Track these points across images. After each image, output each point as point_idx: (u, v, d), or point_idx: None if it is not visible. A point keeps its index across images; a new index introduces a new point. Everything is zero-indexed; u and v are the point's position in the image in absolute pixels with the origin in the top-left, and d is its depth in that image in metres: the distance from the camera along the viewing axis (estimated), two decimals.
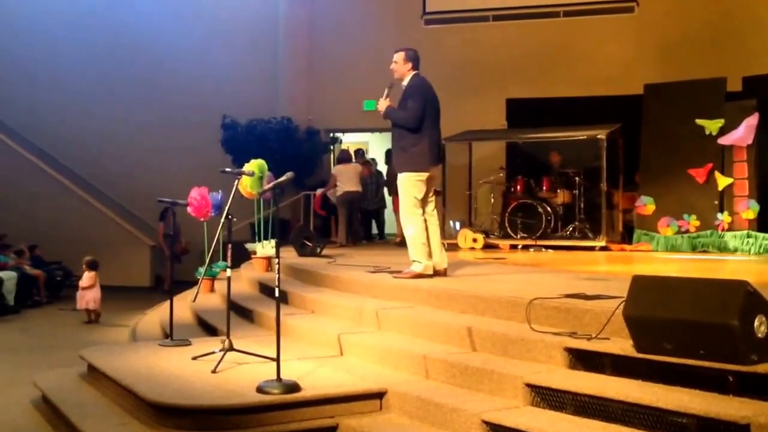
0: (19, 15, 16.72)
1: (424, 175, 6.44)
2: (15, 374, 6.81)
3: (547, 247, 10.98)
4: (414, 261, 6.41)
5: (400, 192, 6.44)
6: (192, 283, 9.39)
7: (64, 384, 5.53)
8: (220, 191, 8.93)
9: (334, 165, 14.83)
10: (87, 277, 10.51)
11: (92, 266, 10.65)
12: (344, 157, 12.99)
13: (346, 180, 12.28)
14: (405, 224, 6.43)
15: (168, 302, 6.61)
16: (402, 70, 6.50)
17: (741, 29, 13.02)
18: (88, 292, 10.40)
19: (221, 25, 15.94)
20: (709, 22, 13.26)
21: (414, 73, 6.51)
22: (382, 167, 13.95)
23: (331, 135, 15.87)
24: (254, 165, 8.49)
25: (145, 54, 16.12)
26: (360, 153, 13.81)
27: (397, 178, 6.59)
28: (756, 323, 3.52)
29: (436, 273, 6.47)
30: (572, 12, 14.14)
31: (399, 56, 6.50)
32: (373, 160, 14.76)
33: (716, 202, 10.30)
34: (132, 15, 16.26)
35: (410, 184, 6.38)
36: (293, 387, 4.38)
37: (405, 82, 6.51)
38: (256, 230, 9.68)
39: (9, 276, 11.60)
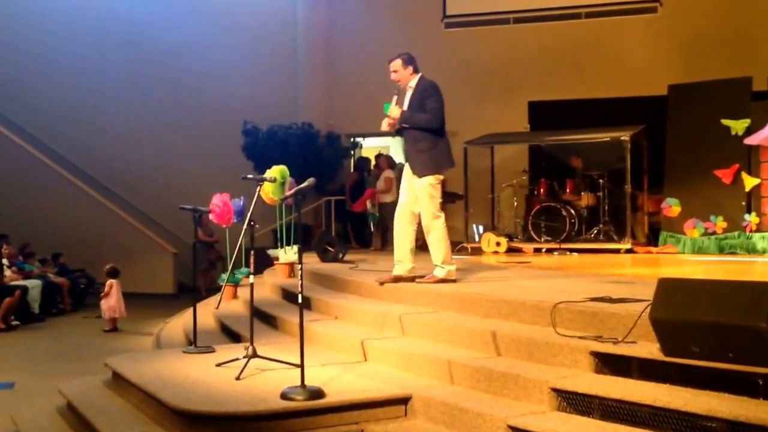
0: (41, 28, 16.88)
1: (442, 177, 6.43)
2: (40, 382, 6.87)
3: (571, 250, 10.90)
4: (437, 266, 6.37)
5: (423, 196, 6.35)
6: (216, 289, 9.42)
7: (89, 391, 5.55)
8: (242, 197, 8.95)
9: (353, 170, 14.85)
10: (106, 285, 10.62)
11: (111, 274, 10.74)
12: (394, 163, 12.92)
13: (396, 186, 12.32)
14: (430, 229, 6.36)
15: (191, 309, 6.63)
16: (405, 75, 6.45)
17: (766, 28, 12.86)
18: (104, 301, 10.50)
19: (240, 32, 16.01)
20: (733, 21, 13.11)
21: (420, 75, 6.47)
22: None
23: (352, 140, 15.88)
24: (276, 171, 8.49)
25: (165, 62, 16.25)
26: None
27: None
28: None
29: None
30: (594, 13, 14.05)
31: (397, 64, 6.46)
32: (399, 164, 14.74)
33: (743, 203, 10.17)
34: (153, 25, 16.39)
35: (434, 188, 6.34)
36: (317, 393, 4.37)
37: (412, 85, 6.45)
38: (279, 236, 9.69)
39: (34, 284, 11.70)
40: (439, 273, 6.34)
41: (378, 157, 13.55)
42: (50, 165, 16.27)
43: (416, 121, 6.37)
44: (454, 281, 6.33)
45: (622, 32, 13.99)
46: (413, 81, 6.45)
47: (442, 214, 6.39)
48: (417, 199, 6.40)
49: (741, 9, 13.18)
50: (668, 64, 13.25)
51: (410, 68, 6.46)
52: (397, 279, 6.45)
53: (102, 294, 10.69)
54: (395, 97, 6.47)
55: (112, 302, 10.48)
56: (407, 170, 6.52)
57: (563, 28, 14.24)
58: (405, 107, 6.43)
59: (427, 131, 6.35)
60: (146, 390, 4.78)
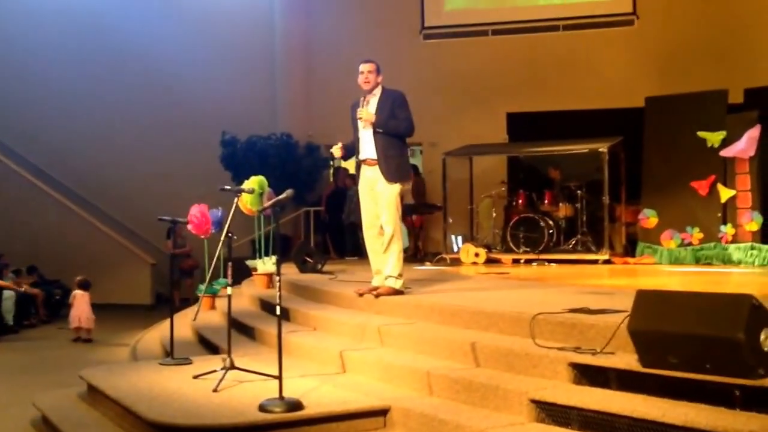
0: (15, 35, 16.72)
1: (402, 189, 6.48)
2: (14, 394, 6.76)
3: (549, 261, 10.94)
4: (390, 276, 6.37)
5: (389, 203, 6.34)
6: (194, 300, 9.36)
7: (63, 404, 5.49)
8: (220, 208, 8.90)
9: (332, 180, 14.83)
10: (74, 296, 10.60)
11: (81, 286, 10.70)
12: None
13: None
14: (396, 238, 6.35)
15: (168, 320, 6.57)
16: (374, 81, 6.51)
17: (742, 41, 13.03)
18: (73, 311, 10.47)
19: (218, 42, 15.95)
20: (709, 35, 13.27)
21: (381, 85, 6.54)
22: None
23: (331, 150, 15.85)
24: (254, 182, 8.47)
25: (143, 73, 16.15)
26: None
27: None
28: (762, 337, 3.48)
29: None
30: (572, 26, 14.16)
31: (372, 67, 6.50)
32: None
33: (719, 215, 10.26)
34: (131, 34, 16.27)
35: (399, 197, 6.40)
36: (296, 405, 4.34)
37: (376, 93, 6.50)
38: (257, 247, 9.65)
39: (8, 295, 11.55)
40: (395, 284, 6.36)
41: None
42: (26, 176, 16.09)
43: (392, 127, 6.42)
44: (403, 292, 6.38)
45: (599, 45, 14.11)
46: (377, 90, 6.52)
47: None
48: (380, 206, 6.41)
49: (717, 23, 13.34)
50: (645, 76, 13.37)
51: (380, 77, 6.53)
52: (376, 290, 6.43)
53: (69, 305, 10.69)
54: (362, 100, 6.52)
55: (73, 312, 10.48)
56: (367, 180, 6.52)
57: (541, 41, 14.35)
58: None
59: (397, 139, 6.42)
60: (122, 403, 4.73)
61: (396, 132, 6.42)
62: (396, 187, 6.37)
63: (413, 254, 12.20)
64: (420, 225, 13.12)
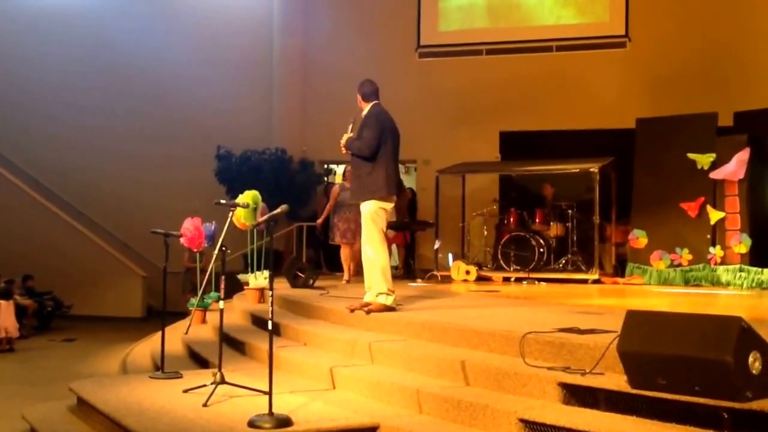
0: (16, 52, 16.77)
1: (389, 205, 6.50)
2: (3, 406, 6.74)
3: (539, 279, 10.97)
4: (380, 293, 6.38)
5: (364, 221, 6.41)
6: (185, 314, 9.33)
7: (53, 417, 5.47)
8: (213, 222, 8.92)
9: (324, 195, 14.88)
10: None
11: (2, 295, 10.80)
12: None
13: None
14: (375, 255, 6.37)
15: (159, 333, 6.56)
16: (359, 101, 6.63)
17: (732, 65, 13.17)
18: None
19: (215, 57, 16.04)
20: (700, 58, 13.41)
21: (373, 102, 6.59)
22: None
23: (325, 166, 15.92)
24: (248, 196, 8.48)
25: (140, 84, 16.21)
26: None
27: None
28: (750, 359, 3.50)
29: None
30: (565, 47, 14.28)
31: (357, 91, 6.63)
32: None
33: (708, 236, 10.33)
34: (127, 48, 16.34)
35: (377, 213, 6.40)
36: (285, 421, 4.34)
37: (364, 113, 6.59)
38: (249, 261, 9.65)
39: None
40: (386, 300, 6.37)
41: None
42: (21, 187, 16.10)
43: (350, 146, 6.53)
44: (394, 309, 6.39)
45: (592, 66, 14.24)
46: (367, 108, 6.58)
47: (385, 243, 6.46)
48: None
49: (709, 46, 13.48)
50: (636, 98, 13.49)
51: (359, 97, 6.61)
52: (368, 305, 6.45)
53: None
54: (351, 124, 6.63)
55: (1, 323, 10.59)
56: None
57: (535, 61, 14.45)
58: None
59: (363, 158, 6.45)
60: (111, 417, 4.72)
61: (353, 151, 6.51)
62: (368, 205, 6.40)
63: (404, 272, 12.25)
64: (398, 242, 12.91)
